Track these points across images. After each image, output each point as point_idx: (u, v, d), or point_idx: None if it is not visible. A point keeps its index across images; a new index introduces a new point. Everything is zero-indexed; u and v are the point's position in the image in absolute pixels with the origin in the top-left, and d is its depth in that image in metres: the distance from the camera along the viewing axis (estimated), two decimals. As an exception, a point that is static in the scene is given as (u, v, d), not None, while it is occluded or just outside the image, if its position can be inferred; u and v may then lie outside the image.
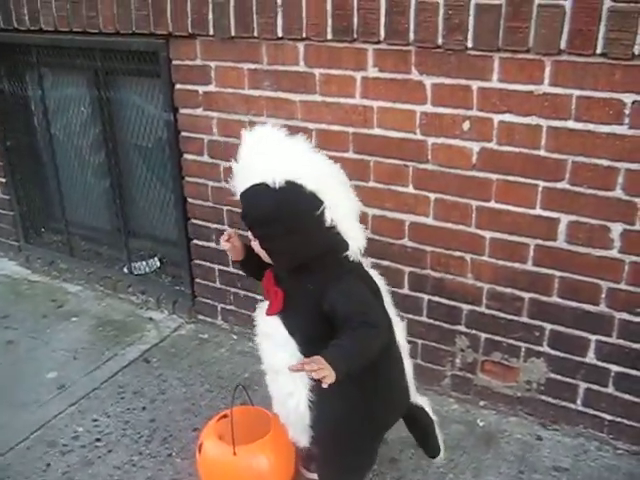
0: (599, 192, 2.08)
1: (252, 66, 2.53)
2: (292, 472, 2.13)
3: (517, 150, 2.15)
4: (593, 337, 2.23)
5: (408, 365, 1.97)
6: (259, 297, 2.83)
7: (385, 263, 2.51)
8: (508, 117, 2.12)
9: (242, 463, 2.01)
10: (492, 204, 2.24)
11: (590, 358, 2.26)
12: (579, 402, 2.33)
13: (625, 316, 2.16)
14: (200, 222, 2.93)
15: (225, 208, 2.83)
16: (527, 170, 2.15)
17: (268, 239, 1.78)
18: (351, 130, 2.41)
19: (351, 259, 1.80)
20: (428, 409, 2.10)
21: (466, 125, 2.20)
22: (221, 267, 2.96)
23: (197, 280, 3.06)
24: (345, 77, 2.35)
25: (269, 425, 2.07)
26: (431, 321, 2.51)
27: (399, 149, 2.34)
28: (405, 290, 2.52)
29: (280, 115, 2.53)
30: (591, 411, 2.32)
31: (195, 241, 3.00)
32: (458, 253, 2.37)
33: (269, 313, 1.89)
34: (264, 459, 2.03)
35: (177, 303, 3.16)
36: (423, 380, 2.38)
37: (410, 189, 2.38)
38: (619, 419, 2.28)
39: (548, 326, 2.28)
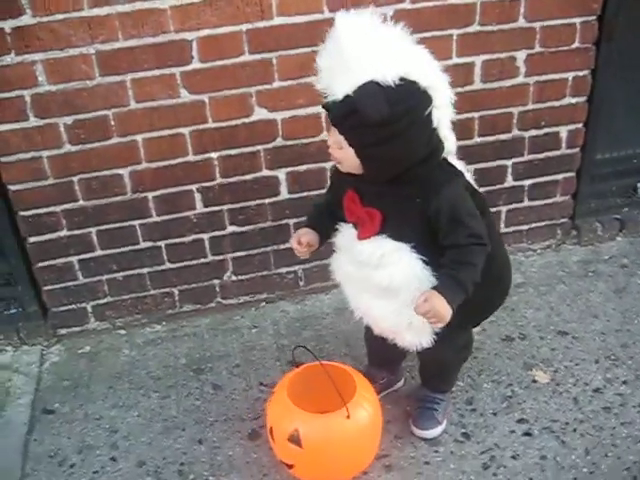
0: (505, 26, 2.22)
1: (90, -24, 1.88)
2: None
3: (431, 4, 2.12)
4: (509, 162, 2.46)
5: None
6: (146, 269, 2.33)
7: (303, 167, 2.30)
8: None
9: (356, 425, 1.74)
10: (411, 67, 2.20)
11: (508, 182, 2.51)
12: (502, 225, 2.59)
13: (533, 132, 2.43)
14: (36, 211, 2.17)
15: (77, 178, 2.15)
16: (442, 22, 2.16)
17: (371, 146, 1.52)
18: (245, 28, 2.03)
19: (450, 163, 1.65)
20: None
21: (376, -10, 2.07)
22: (83, 256, 2.28)
23: (46, 288, 2.30)
24: (231, -37, 1.94)
25: (333, 379, 1.81)
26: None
27: (307, 35, 2.07)
28: (329, 188, 2.36)
29: (144, 32, 1.98)
30: (512, 228, 2.61)
31: (32, 239, 2.22)
32: (382, 129, 2.29)
33: (364, 236, 1.67)
34: (372, 414, 1.78)
35: (22, 329, 2.35)
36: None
37: (323, 77, 2.17)
38: (533, 224, 2.63)
39: (471, 167, 2.43)
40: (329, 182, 1.90)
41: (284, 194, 2.33)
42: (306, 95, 2.17)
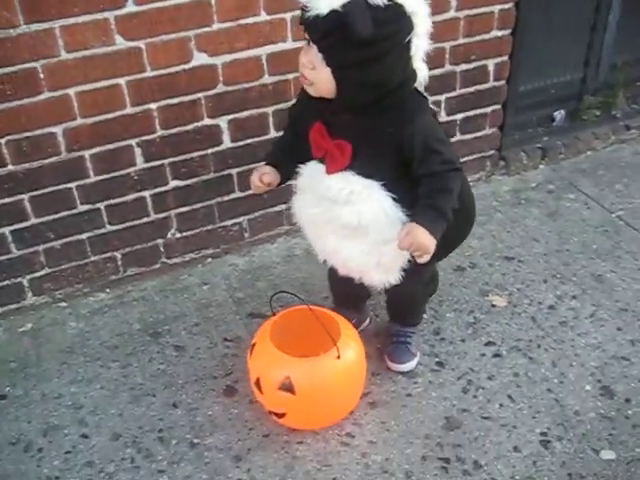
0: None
1: None
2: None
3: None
4: (443, 97, 2.50)
5: None
6: (85, 235, 2.18)
7: (245, 114, 2.21)
8: None
9: (347, 364, 1.73)
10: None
11: (442, 117, 2.54)
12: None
13: (463, 67, 2.47)
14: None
15: (4, 140, 1.94)
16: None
17: (351, 66, 1.47)
18: (181, -35, 1.90)
19: (420, 92, 1.63)
20: None
21: None
22: (16, 226, 2.08)
23: (-25, 264, 2.09)
24: None
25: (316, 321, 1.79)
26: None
27: (246, -28, 1.98)
28: (272, 133, 2.28)
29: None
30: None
31: (-45, 211, 2.00)
32: (323, 69, 2.24)
33: (333, 170, 1.63)
34: (358, 352, 1.78)
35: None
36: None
37: (263, 16, 2.07)
38: (465, 158, 2.69)
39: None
40: (288, 120, 1.84)
41: (227, 143, 2.23)
42: (246, 37, 2.08)
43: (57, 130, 1.99)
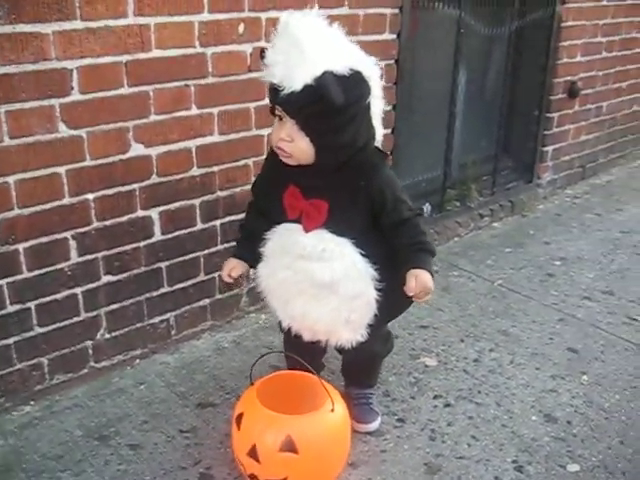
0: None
1: (-33, -9, 1.65)
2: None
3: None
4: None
5: None
6: (12, 339, 2.01)
7: (175, 205, 2.26)
8: (274, 13, 2.26)
9: (340, 418, 1.76)
10: (266, 101, 2.34)
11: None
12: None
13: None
14: None
15: None
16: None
17: (328, 132, 1.63)
18: (125, 59, 1.98)
19: (378, 148, 1.81)
20: None
21: (241, 28, 2.20)
22: None
23: None
24: (113, -8, 1.89)
25: (298, 387, 1.84)
26: (226, 245, 2.42)
27: (181, 68, 2.10)
28: (199, 225, 2.33)
29: (24, 59, 1.79)
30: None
31: None
32: (243, 161, 2.37)
33: (311, 227, 1.75)
34: (344, 407, 1.81)
35: None
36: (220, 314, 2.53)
37: (194, 110, 2.19)
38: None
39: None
40: (253, 198, 1.95)
41: (157, 235, 2.23)
42: (179, 129, 2.18)
43: (-8, 221, 1.88)
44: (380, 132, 1.78)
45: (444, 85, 3.17)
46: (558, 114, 3.69)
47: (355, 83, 1.60)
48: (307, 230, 1.74)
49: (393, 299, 1.80)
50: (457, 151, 3.30)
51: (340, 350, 1.98)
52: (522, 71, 3.50)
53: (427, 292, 1.73)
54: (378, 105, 1.73)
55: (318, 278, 1.74)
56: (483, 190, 3.49)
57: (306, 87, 1.56)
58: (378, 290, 1.77)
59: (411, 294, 1.71)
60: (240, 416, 1.74)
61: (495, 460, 1.93)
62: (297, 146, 1.66)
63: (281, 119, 1.66)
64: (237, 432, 1.74)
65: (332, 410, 1.72)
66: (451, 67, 3.13)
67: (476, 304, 2.76)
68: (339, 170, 1.72)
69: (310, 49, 1.56)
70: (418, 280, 1.70)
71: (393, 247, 1.78)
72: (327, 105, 1.56)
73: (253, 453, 1.69)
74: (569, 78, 3.64)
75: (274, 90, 1.62)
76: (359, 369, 2.08)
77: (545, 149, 3.71)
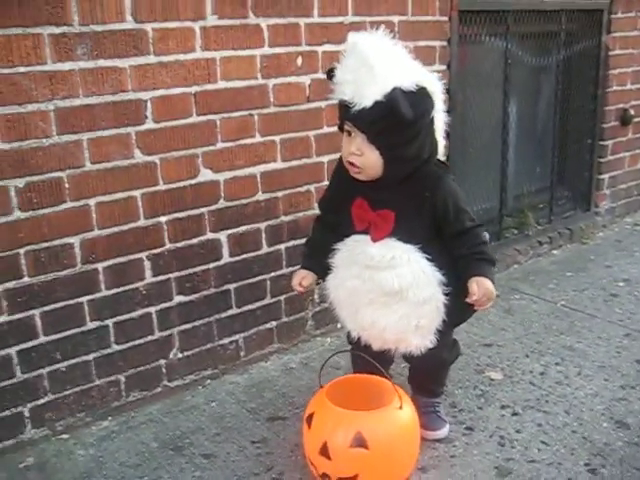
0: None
1: (56, 30, 1.86)
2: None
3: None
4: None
5: None
6: (92, 355, 2.11)
7: (242, 229, 2.37)
8: (328, 47, 2.42)
9: (409, 415, 1.79)
10: (325, 130, 2.48)
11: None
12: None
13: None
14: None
15: (23, 250, 1.92)
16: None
17: (398, 145, 1.72)
18: (194, 90, 2.14)
19: (440, 160, 1.89)
20: None
21: (299, 61, 2.36)
22: (23, 345, 1.97)
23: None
24: (183, 29, 2.07)
25: (366, 389, 1.89)
26: (291, 269, 2.51)
27: (245, 98, 2.26)
28: (264, 249, 2.44)
29: (104, 91, 1.97)
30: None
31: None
32: (305, 187, 2.49)
33: (379, 237, 1.82)
34: (412, 405, 1.85)
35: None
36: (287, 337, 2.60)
37: (258, 138, 2.33)
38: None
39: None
40: (321, 208, 2.05)
41: (226, 257, 2.35)
42: (244, 156, 2.32)
43: (74, 241, 2.02)
44: (442, 144, 1.85)
45: (496, 115, 3.25)
46: (612, 142, 3.71)
47: (421, 98, 1.69)
48: (375, 240, 1.82)
49: (460, 303, 1.84)
50: (512, 180, 3.36)
51: (408, 358, 2.02)
52: (572, 100, 3.56)
53: (490, 298, 1.77)
54: (441, 119, 1.80)
55: (387, 286, 1.80)
56: (540, 219, 3.51)
57: (376, 103, 1.66)
58: (446, 295, 1.83)
59: (474, 298, 1.75)
60: (311, 416, 1.80)
61: (567, 463, 1.91)
62: (367, 159, 1.74)
63: (350, 134, 1.76)
64: (308, 432, 1.79)
65: (400, 407, 1.76)
66: (501, 97, 3.22)
67: (539, 323, 2.75)
68: (405, 182, 1.80)
69: (379, 67, 1.66)
70: (480, 286, 1.75)
71: (454, 257, 1.84)
72: (397, 119, 1.65)
73: (324, 451, 1.73)
74: (621, 106, 3.69)
75: (344, 107, 1.72)
76: (427, 376, 2.11)
77: (601, 177, 3.73)
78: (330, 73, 1.76)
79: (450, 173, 1.91)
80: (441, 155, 1.87)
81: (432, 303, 1.83)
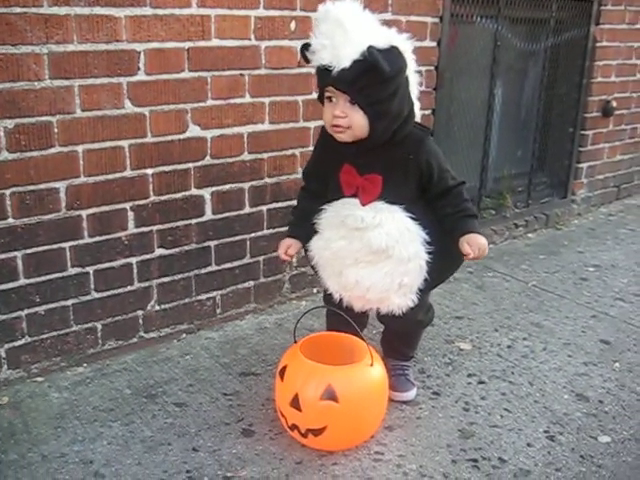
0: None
1: (54, -26, 1.85)
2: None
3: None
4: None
5: None
6: (70, 301, 2.15)
7: (226, 187, 2.40)
8: (322, 13, 2.43)
9: (378, 372, 1.85)
10: (313, 95, 2.50)
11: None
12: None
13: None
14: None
15: (9, 191, 1.93)
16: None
17: (381, 101, 1.76)
18: (187, 45, 2.16)
19: (419, 122, 1.94)
20: None
21: (293, 25, 2.38)
22: (3, 286, 1.99)
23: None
24: (180, -17, 2.09)
25: (338, 345, 1.95)
26: (271, 231, 2.55)
27: (237, 58, 2.28)
28: (247, 209, 2.47)
29: (98, 39, 1.98)
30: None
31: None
32: (291, 151, 2.52)
33: (367, 201, 1.87)
34: (382, 363, 1.91)
35: None
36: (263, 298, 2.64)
37: (247, 98, 2.36)
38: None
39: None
40: (305, 178, 2.08)
41: (208, 214, 2.38)
42: (233, 115, 2.34)
43: (60, 186, 2.03)
44: (417, 106, 1.90)
45: (482, 96, 3.30)
46: (593, 132, 3.79)
47: (395, 56, 1.73)
48: (364, 203, 1.87)
49: (441, 263, 1.91)
50: (493, 162, 3.42)
51: (383, 320, 2.09)
52: (558, 87, 3.63)
53: (483, 250, 1.84)
54: (414, 79, 1.85)
55: (375, 244, 1.85)
56: (518, 202, 3.58)
57: (355, 62, 1.70)
58: (429, 253, 1.89)
59: (471, 256, 1.83)
60: (284, 369, 1.85)
61: (527, 430, 1.98)
62: (352, 119, 1.78)
63: (331, 100, 1.80)
64: (280, 383, 1.84)
65: (371, 365, 1.82)
66: (488, 79, 3.27)
67: (510, 300, 2.83)
68: (388, 145, 1.84)
69: (353, 29, 1.70)
70: (472, 243, 1.82)
71: (439, 216, 1.90)
72: (376, 75, 1.70)
73: (295, 402, 1.79)
74: (604, 97, 3.76)
75: (324, 72, 1.75)
76: (400, 338, 2.17)
77: (580, 166, 3.81)
78: (304, 47, 1.78)
79: (430, 134, 1.95)
80: (417, 117, 1.91)
81: (416, 261, 1.88)
